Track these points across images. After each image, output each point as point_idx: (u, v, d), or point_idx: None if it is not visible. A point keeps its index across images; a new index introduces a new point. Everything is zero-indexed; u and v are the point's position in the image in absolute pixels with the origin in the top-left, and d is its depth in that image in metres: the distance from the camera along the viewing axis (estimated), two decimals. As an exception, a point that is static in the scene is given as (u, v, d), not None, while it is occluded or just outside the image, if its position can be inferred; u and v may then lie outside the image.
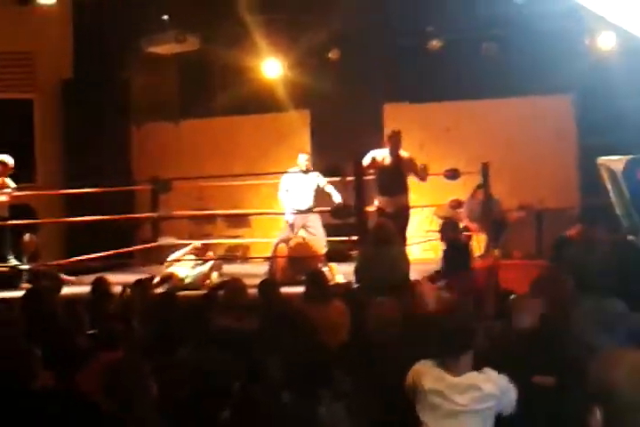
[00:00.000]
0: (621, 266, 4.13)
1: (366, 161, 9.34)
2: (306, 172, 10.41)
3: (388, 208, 9.21)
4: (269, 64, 13.45)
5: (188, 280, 9.22)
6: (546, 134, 12.50)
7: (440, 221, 10.62)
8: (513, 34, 12.35)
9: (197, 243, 10.22)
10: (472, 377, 3.97)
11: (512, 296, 5.74)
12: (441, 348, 4.07)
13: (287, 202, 10.41)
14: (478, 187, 10.99)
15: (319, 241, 10.10)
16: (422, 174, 9.53)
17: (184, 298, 7.82)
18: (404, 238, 9.14)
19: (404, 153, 9.56)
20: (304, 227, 10.27)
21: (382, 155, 9.45)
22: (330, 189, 10.31)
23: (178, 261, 9.52)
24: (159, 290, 7.84)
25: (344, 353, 5.07)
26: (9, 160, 9.79)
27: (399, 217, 9.16)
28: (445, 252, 9.02)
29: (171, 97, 14.76)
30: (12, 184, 9.91)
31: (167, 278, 8.90)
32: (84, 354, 5.00)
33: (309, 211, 10.21)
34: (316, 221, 10.34)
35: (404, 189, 9.44)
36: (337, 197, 10.17)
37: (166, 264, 9.55)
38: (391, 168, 9.36)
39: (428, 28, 12.83)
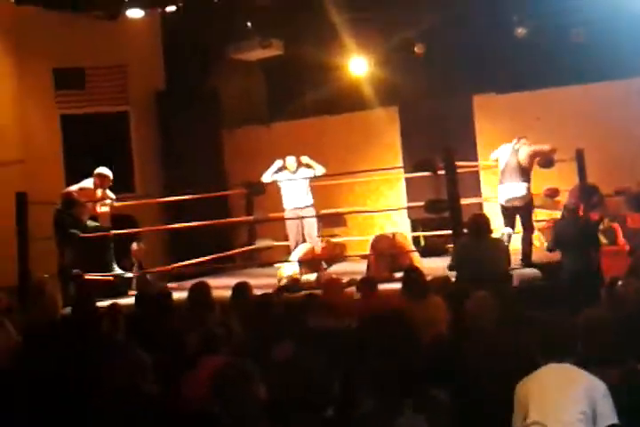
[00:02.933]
0: None
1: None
2: (295, 172, 11.00)
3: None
4: (355, 62, 13.52)
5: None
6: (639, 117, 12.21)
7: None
8: (601, 18, 12.09)
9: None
10: (575, 383, 3.90)
11: (619, 282, 5.68)
12: (544, 350, 3.99)
13: (284, 201, 11.08)
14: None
15: (312, 241, 10.72)
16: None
17: (283, 300, 7.96)
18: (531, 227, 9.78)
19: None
20: (301, 225, 10.86)
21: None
22: (311, 170, 11.01)
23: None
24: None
25: (441, 348, 5.09)
26: (107, 172, 10.00)
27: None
28: None
29: (260, 101, 14.96)
30: (113, 196, 10.16)
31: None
32: (190, 360, 5.10)
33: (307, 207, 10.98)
34: (312, 221, 10.96)
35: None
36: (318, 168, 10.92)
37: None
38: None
39: (514, 16, 12.67)
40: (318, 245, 10.82)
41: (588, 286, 6.89)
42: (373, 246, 9.82)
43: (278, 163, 11.06)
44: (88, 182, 9.91)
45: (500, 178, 9.79)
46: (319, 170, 11.00)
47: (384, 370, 4.04)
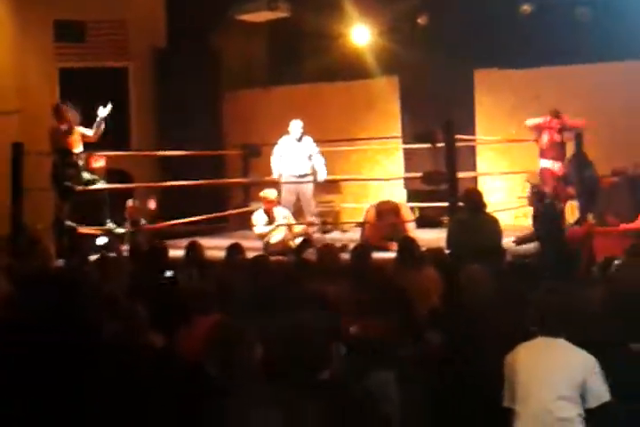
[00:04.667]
0: None
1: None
2: (300, 139, 10.81)
3: None
4: (358, 31, 13.44)
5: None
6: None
7: (529, 189, 10.54)
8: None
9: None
10: (567, 357, 3.91)
11: (617, 261, 5.70)
12: (539, 324, 4.03)
13: (281, 168, 10.91)
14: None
15: (309, 209, 10.77)
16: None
17: (276, 262, 7.98)
18: None
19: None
20: (297, 193, 10.71)
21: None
22: (318, 159, 10.86)
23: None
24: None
25: (435, 319, 5.13)
26: (59, 105, 9.75)
27: None
28: (534, 219, 9.11)
29: (261, 64, 14.85)
30: (83, 130, 9.65)
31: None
32: (185, 317, 5.12)
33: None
34: (308, 189, 10.87)
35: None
36: (321, 172, 10.85)
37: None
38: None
39: (519, -9, 12.62)
40: (314, 215, 10.86)
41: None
42: (378, 210, 9.68)
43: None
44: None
45: None
46: (322, 173, 10.94)
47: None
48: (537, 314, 4.06)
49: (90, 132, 9.63)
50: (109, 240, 9.61)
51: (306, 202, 10.75)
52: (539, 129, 10.45)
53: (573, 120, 10.38)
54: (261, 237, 9.59)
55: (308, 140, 10.92)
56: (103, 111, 9.56)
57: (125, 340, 4.27)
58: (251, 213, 10.25)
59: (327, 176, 11.05)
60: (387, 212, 9.52)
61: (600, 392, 3.78)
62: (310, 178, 10.93)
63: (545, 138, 10.34)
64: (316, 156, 10.90)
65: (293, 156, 10.86)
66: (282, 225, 9.64)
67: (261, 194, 9.95)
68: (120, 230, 9.96)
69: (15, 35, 12.41)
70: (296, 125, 10.88)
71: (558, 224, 8.81)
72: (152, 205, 11.10)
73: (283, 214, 9.86)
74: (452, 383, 4.37)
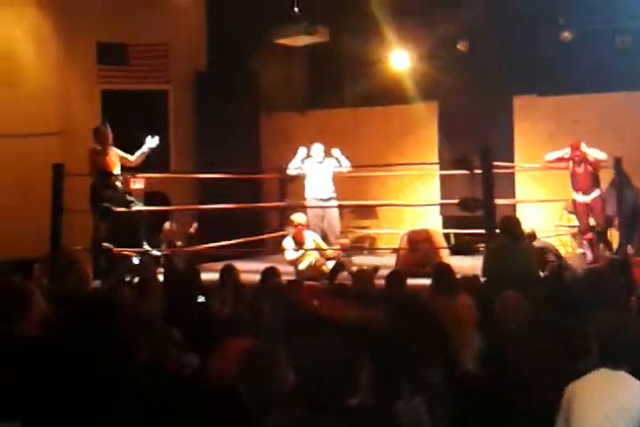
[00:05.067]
0: None
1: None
2: (321, 162, 10.68)
3: None
4: (398, 56, 13.48)
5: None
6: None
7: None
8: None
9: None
10: (628, 391, 3.70)
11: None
12: (601, 356, 3.90)
13: (307, 190, 10.76)
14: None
15: (333, 233, 10.53)
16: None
17: (309, 287, 7.98)
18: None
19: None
20: (323, 217, 10.59)
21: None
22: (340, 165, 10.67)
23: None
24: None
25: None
26: (100, 127, 9.83)
27: None
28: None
29: (299, 88, 14.94)
30: (123, 153, 9.79)
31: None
32: (218, 340, 5.12)
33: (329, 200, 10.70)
34: (334, 213, 10.70)
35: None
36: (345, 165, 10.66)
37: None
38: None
39: (560, 19, 12.60)
40: (339, 238, 10.77)
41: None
42: (410, 239, 9.72)
43: (302, 151, 10.80)
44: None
45: None
46: (345, 165, 10.76)
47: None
48: (598, 346, 3.88)
49: (131, 158, 9.75)
50: (145, 262, 9.66)
51: (329, 226, 10.67)
52: (561, 162, 10.36)
53: (596, 153, 10.18)
54: (291, 263, 9.57)
55: (330, 161, 10.77)
56: (152, 142, 9.67)
57: (159, 362, 4.29)
58: (286, 237, 10.26)
59: (363, 201, 11.01)
60: (419, 240, 9.55)
61: None
62: (334, 202, 10.83)
63: (570, 169, 10.26)
64: (337, 163, 10.77)
65: (317, 179, 10.73)
66: (309, 250, 9.61)
67: (291, 218, 9.96)
68: (156, 253, 10.01)
69: (60, 57, 12.59)
70: (317, 149, 10.76)
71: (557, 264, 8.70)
72: (193, 228, 11.14)
73: (312, 237, 9.83)
74: (485, 413, 4.32)
